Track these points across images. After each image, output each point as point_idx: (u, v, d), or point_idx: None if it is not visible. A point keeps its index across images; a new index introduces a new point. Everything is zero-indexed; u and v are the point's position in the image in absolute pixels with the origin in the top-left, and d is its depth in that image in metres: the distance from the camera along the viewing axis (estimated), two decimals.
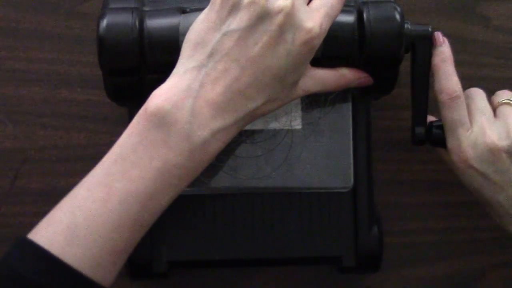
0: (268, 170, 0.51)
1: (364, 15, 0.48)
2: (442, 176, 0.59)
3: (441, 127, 0.53)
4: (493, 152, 0.51)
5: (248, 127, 0.49)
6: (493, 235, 0.60)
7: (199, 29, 0.46)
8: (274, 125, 0.52)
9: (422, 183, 0.59)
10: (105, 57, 0.48)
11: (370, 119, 0.53)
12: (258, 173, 0.51)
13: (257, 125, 0.52)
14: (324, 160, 0.52)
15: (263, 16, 0.44)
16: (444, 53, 0.52)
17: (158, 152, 0.44)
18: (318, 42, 0.46)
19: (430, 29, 0.51)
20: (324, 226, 0.52)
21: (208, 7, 0.46)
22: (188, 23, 0.48)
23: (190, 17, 0.48)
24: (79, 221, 0.44)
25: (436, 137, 0.53)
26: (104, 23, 0.48)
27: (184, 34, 0.47)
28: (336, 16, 0.47)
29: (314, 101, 0.52)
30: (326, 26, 0.46)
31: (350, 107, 0.52)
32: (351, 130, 0.52)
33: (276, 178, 0.51)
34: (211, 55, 0.45)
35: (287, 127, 0.51)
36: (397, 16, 0.49)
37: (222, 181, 0.51)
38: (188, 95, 0.44)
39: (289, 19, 0.44)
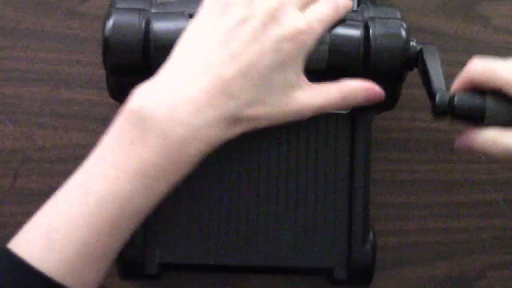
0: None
1: (371, 31, 0.49)
2: (442, 176, 0.59)
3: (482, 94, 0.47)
4: None
5: None
6: (493, 235, 0.60)
7: (189, 29, 0.46)
8: None
9: (422, 183, 0.59)
10: (110, 56, 0.48)
11: (370, 133, 0.53)
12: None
13: None
14: None
15: (248, 17, 0.45)
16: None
17: (135, 151, 0.43)
18: (307, 39, 0.45)
19: (436, 47, 0.51)
20: (317, 237, 0.52)
21: (199, 12, 0.46)
22: None
23: None
24: (57, 225, 0.43)
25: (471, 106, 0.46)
26: (110, 22, 0.48)
27: None
28: (330, 22, 0.47)
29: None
30: (317, 27, 0.46)
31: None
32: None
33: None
34: (194, 52, 0.45)
35: None
36: (403, 33, 0.49)
37: None
38: (168, 91, 0.44)
39: (274, 16, 0.45)
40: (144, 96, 0.44)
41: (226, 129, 0.44)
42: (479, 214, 0.60)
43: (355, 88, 0.48)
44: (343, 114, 0.52)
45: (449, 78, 0.60)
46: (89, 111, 0.58)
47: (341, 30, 0.49)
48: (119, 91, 0.50)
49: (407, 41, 0.49)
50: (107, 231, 0.43)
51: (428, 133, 0.59)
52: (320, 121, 0.51)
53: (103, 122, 0.58)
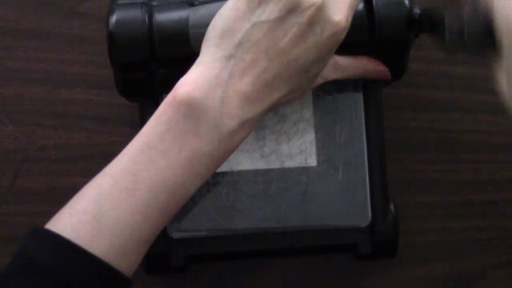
0: (284, 209, 0.51)
1: (373, 1, 0.49)
2: (442, 176, 0.59)
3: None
4: None
5: (263, 167, 0.51)
6: (493, 235, 0.60)
7: (227, 17, 0.45)
8: (289, 164, 0.52)
9: (422, 183, 0.59)
10: (116, 52, 0.48)
11: (381, 102, 0.53)
12: (274, 213, 0.51)
13: (273, 164, 0.52)
14: (341, 197, 0.52)
15: (294, 8, 0.44)
16: None
17: (187, 141, 0.44)
18: (344, 35, 0.46)
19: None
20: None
21: None
22: (197, 16, 0.48)
23: (199, 10, 0.48)
24: (105, 210, 0.43)
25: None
26: (113, 18, 0.48)
27: (193, 27, 0.48)
28: (357, 5, 0.47)
29: (327, 138, 0.52)
30: (351, 17, 0.46)
31: (364, 136, 0.52)
32: (366, 165, 0.52)
33: (293, 217, 0.51)
34: (239, 45, 0.45)
35: (302, 165, 0.51)
36: (406, 1, 0.49)
37: (238, 222, 0.51)
38: (218, 84, 0.44)
39: (319, 12, 0.45)
40: (194, 88, 0.44)
41: (265, 115, 0.46)
42: (479, 214, 0.60)
43: (369, 68, 0.51)
44: (354, 85, 0.52)
45: (450, 78, 0.60)
46: (89, 111, 0.58)
47: None
48: (128, 88, 0.50)
49: (411, 8, 0.49)
50: (156, 217, 0.44)
51: (428, 133, 0.60)
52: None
53: (103, 122, 0.58)
